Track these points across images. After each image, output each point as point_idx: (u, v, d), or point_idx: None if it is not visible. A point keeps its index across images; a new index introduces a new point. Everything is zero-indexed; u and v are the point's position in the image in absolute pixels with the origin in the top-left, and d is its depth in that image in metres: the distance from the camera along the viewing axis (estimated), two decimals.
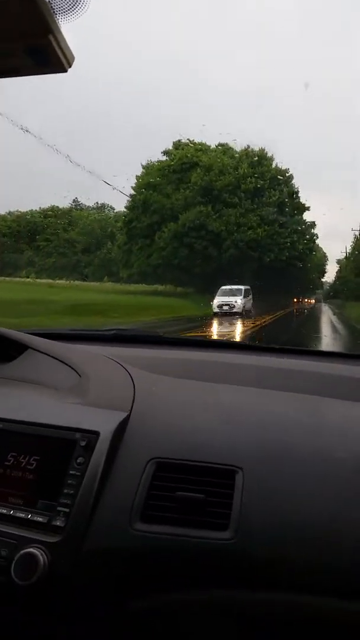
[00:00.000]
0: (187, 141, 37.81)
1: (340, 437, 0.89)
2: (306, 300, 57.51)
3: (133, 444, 0.86)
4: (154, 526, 0.76)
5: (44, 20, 0.56)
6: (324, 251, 64.53)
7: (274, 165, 37.37)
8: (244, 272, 33.95)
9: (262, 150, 37.04)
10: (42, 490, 0.81)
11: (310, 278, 60.13)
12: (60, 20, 0.60)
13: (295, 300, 46.23)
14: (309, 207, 38.50)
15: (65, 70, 0.63)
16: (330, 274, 74.92)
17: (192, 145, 37.72)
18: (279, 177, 37.01)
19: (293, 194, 37.45)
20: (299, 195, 38.02)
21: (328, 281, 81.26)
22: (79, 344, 1.45)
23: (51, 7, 0.58)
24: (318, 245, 59.25)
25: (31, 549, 0.74)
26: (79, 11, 0.61)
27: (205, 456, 0.83)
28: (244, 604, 0.72)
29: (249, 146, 37.22)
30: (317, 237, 40.31)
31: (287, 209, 36.39)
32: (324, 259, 70.32)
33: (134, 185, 37.34)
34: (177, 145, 37.78)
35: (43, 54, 0.60)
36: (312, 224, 39.61)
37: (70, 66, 0.63)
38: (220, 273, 33.41)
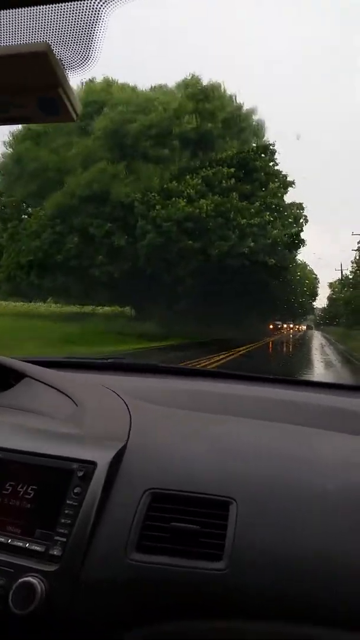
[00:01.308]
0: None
1: (333, 470, 0.90)
2: (293, 326, 43.69)
3: (129, 474, 0.87)
4: (149, 556, 0.77)
5: (55, 75, 0.60)
6: (315, 273, 57.10)
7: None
8: (178, 276, 18.32)
9: (213, 85, 22.27)
10: (39, 519, 0.82)
11: (299, 301, 50.65)
12: (69, 74, 0.64)
13: (271, 326, 30.42)
14: (292, 183, 23.59)
15: (73, 120, 0.67)
16: (319, 301, 63.16)
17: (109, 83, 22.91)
18: (239, 119, 22.14)
19: (265, 148, 22.48)
20: (275, 156, 23.29)
21: (318, 307, 70.17)
22: (76, 372, 1.50)
23: (61, 63, 0.62)
24: (307, 265, 51.13)
25: (29, 578, 0.74)
26: (88, 66, 0.67)
27: (199, 487, 0.84)
28: (238, 634, 0.73)
29: (193, 76, 22.51)
30: (304, 244, 25.47)
31: (254, 173, 21.33)
32: (315, 281, 57.61)
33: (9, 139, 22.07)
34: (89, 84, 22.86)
35: (53, 106, 0.64)
36: (299, 206, 24.52)
37: (77, 116, 0.67)
38: (139, 279, 17.94)
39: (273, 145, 23.11)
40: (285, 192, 22.77)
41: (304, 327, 54.02)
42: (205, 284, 20.86)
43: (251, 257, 20.01)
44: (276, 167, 22.99)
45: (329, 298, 58.99)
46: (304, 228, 23.64)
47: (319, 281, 60.74)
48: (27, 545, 0.79)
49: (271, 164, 22.76)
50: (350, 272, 36.40)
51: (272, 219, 20.71)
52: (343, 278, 37.83)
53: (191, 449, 0.95)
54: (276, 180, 22.12)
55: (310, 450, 0.98)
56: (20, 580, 0.74)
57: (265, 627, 0.72)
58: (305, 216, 23.95)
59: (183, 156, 20.34)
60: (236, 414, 1.15)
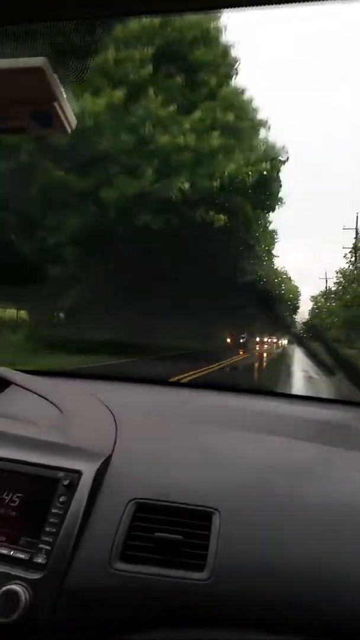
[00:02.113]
0: None
1: (315, 481, 0.92)
2: (270, 341, 36.30)
3: (114, 484, 0.88)
4: (133, 566, 0.78)
5: (50, 89, 0.61)
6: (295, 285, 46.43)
7: None
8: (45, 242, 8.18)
9: None
10: (24, 527, 0.82)
11: (280, 314, 34.81)
12: (65, 88, 0.65)
13: (230, 338, 23.13)
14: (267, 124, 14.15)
15: (67, 133, 0.68)
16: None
17: None
18: None
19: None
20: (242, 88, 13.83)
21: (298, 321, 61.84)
22: (62, 380, 1.50)
23: (57, 77, 0.62)
24: (289, 277, 43.64)
25: (13, 586, 0.75)
26: (83, 79, 0.70)
27: (183, 497, 0.85)
28: None
29: None
30: (281, 204, 15.63)
31: (197, 73, 11.93)
32: (297, 294, 48.43)
33: None
34: None
35: (47, 119, 0.65)
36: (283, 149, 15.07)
37: (72, 129, 0.68)
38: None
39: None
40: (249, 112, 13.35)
41: (285, 342, 45.14)
42: (115, 259, 11.43)
43: (184, 209, 10.58)
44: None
45: (312, 311, 49.75)
46: (280, 170, 13.93)
47: (299, 292, 53.01)
48: (11, 553, 0.80)
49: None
50: (335, 282, 31.92)
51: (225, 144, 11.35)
52: (327, 289, 33.37)
53: (176, 460, 0.97)
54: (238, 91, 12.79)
55: (292, 461, 1.00)
56: (4, 588, 0.75)
57: (248, 636, 0.73)
58: (282, 160, 14.17)
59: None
60: (221, 425, 1.16)
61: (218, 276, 16.25)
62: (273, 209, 15.50)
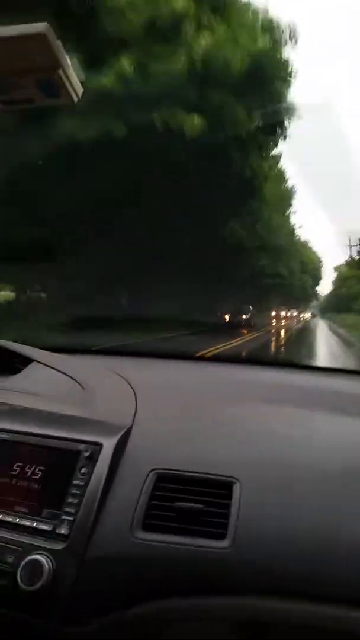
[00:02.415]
0: None
1: (335, 451, 0.92)
2: (286, 314, 31.95)
3: (135, 455, 0.89)
4: (154, 535, 0.79)
5: (54, 57, 0.60)
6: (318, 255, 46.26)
7: None
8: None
9: None
10: (47, 499, 0.84)
11: (300, 284, 36.41)
12: (69, 56, 0.63)
13: (228, 316, 18.72)
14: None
15: (73, 102, 0.67)
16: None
17: None
18: None
19: None
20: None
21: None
22: (83, 356, 1.51)
23: (60, 44, 0.61)
24: (310, 246, 41.25)
25: (37, 556, 0.77)
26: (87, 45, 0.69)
27: (204, 467, 0.86)
28: (241, 610, 0.75)
29: None
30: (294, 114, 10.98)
31: None
32: (318, 264, 49.19)
33: None
34: None
35: (53, 87, 0.64)
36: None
37: (78, 98, 0.67)
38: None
39: None
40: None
41: (308, 316, 41.48)
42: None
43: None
44: None
45: (336, 281, 45.29)
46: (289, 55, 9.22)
47: (322, 263, 48.39)
48: (34, 524, 0.81)
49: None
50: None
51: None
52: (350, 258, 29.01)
53: (196, 431, 0.97)
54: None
55: (312, 432, 1.00)
56: (28, 558, 0.77)
57: (268, 604, 0.74)
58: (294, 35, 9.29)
59: None
60: (241, 398, 1.17)
61: (208, 238, 12.22)
62: (280, 126, 10.63)
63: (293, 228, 28.07)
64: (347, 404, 1.12)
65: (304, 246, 44.95)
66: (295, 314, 32.50)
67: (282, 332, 18.35)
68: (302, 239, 41.66)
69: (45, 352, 1.30)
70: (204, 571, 0.75)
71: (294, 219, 30.38)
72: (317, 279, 50.95)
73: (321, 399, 1.16)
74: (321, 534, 0.76)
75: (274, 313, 26.42)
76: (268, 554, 0.75)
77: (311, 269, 51.14)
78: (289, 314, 31.32)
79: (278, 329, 20.32)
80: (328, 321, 29.23)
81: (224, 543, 0.76)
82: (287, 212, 26.36)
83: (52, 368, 1.21)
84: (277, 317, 26.10)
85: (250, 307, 20.45)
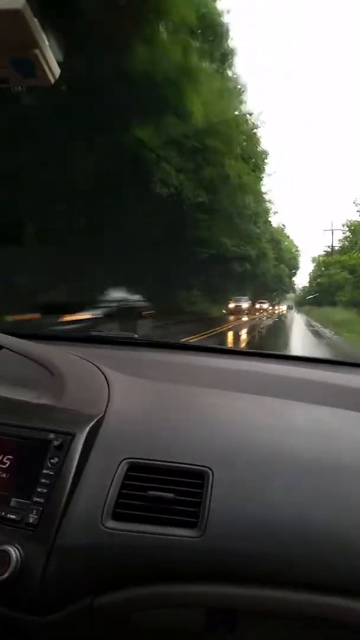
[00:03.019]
0: None
1: (306, 438, 0.93)
2: (262, 307, 29.29)
3: (106, 444, 0.88)
4: (125, 524, 0.78)
5: (31, 35, 0.58)
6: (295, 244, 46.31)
7: None
8: None
9: None
10: (15, 488, 0.83)
11: (275, 272, 35.84)
12: (46, 35, 0.62)
13: (232, 307, 18.90)
14: None
15: (50, 83, 0.66)
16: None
17: None
18: None
19: None
20: None
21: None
22: (53, 343, 1.47)
23: (37, 22, 0.59)
24: (286, 234, 42.12)
25: (5, 546, 0.76)
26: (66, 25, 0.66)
27: (176, 457, 0.86)
28: (213, 597, 0.76)
29: None
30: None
31: None
32: (296, 253, 48.02)
33: None
34: None
35: (29, 67, 0.62)
36: None
37: (55, 79, 0.65)
38: None
39: None
40: None
41: (283, 309, 38.89)
42: None
43: None
44: None
45: (315, 271, 41.68)
46: None
47: (299, 252, 47.15)
48: (2, 514, 0.80)
49: None
50: (342, 238, 28.30)
51: None
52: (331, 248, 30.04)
53: (168, 420, 0.97)
54: None
55: (284, 420, 1.02)
56: None
57: (240, 591, 0.74)
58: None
59: None
60: (214, 387, 1.18)
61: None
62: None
63: (264, 200, 24.14)
64: (324, 394, 1.15)
65: (281, 233, 40.98)
66: (265, 306, 28.37)
67: (244, 332, 14.24)
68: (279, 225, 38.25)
69: (14, 338, 1.24)
70: (174, 559, 0.76)
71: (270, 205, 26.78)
72: (294, 269, 47.14)
73: (298, 388, 1.19)
74: (294, 521, 0.77)
75: (232, 305, 20.93)
76: (240, 542, 0.76)
77: (289, 257, 47.40)
78: (257, 306, 27.14)
79: (238, 326, 16.09)
80: (305, 316, 25.31)
81: (195, 532, 0.77)
82: (260, 176, 22.30)
83: (21, 354, 1.17)
84: (237, 310, 20.68)
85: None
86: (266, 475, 0.83)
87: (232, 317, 19.00)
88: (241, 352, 1.67)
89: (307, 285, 45.07)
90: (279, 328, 17.48)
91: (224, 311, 20.03)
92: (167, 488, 0.81)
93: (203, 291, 19.68)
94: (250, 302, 24.17)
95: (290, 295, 58.37)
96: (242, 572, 0.75)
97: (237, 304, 21.29)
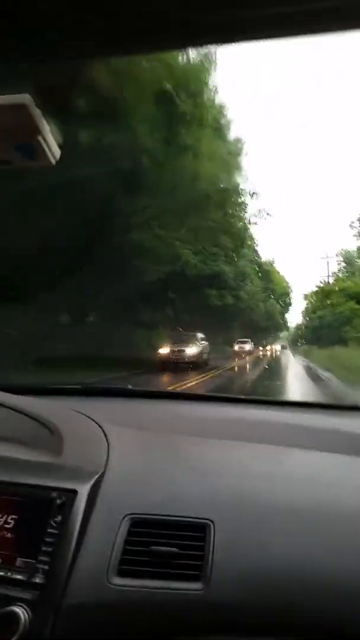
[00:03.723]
0: None
1: (303, 485, 0.95)
2: (244, 348, 23.70)
3: (108, 500, 0.89)
4: (130, 580, 0.79)
5: (34, 124, 0.63)
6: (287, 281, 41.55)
7: None
8: None
9: None
10: (21, 548, 0.83)
11: (265, 309, 32.07)
12: (48, 122, 0.67)
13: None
14: None
15: (52, 164, 0.70)
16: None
17: None
18: None
19: None
20: None
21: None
22: (49, 398, 1.50)
23: (40, 112, 0.64)
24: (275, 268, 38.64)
25: (12, 607, 0.75)
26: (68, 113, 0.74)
27: (177, 510, 0.86)
28: None
29: None
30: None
31: None
32: (287, 289, 42.41)
33: None
34: None
35: (31, 151, 0.67)
36: None
37: (56, 160, 0.70)
38: None
39: None
40: None
41: (277, 348, 34.09)
42: None
43: None
44: None
45: (309, 308, 37.07)
46: None
47: (290, 289, 42.12)
48: (9, 574, 0.80)
49: None
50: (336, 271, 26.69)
51: None
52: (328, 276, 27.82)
53: (169, 473, 0.98)
54: None
55: (284, 468, 1.03)
56: (3, 610, 0.75)
57: None
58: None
59: None
60: (212, 436, 1.18)
61: None
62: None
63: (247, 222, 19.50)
64: (321, 439, 1.15)
65: (271, 267, 36.44)
66: (247, 347, 22.74)
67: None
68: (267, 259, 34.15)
69: (10, 395, 1.26)
70: (179, 613, 0.76)
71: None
72: (286, 305, 42.39)
73: (293, 434, 1.19)
74: (295, 570, 0.78)
75: (236, 347, 19.87)
76: (243, 593, 0.76)
77: (280, 293, 42.69)
78: (236, 348, 21.69)
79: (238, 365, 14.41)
80: (305, 359, 20.03)
81: (198, 585, 0.77)
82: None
83: (19, 412, 1.17)
84: (241, 352, 19.64)
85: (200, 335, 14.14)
86: (266, 525, 0.84)
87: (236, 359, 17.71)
88: (235, 399, 1.61)
89: (303, 322, 40.11)
90: (271, 380, 11.96)
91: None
92: (170, 542, 0.82)
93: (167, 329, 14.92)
94: (251, 344, 22.37)
95: (284, 334, 53.23)
96: (246, 623, 0.76)
97: (241, 346, 20.62)
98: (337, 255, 28.29)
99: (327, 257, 29.95)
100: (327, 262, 28.98)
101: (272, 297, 35.88)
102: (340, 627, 0.74)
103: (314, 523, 0.84)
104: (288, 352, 29.80)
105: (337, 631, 0.74)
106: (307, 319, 31.83)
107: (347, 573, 0.77)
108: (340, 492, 0.93)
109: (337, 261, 28.32)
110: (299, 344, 30.23)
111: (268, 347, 32.24)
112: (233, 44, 0.46)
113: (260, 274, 28.80)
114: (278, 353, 29.75)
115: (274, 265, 36.86)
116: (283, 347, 37.59)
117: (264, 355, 25.22)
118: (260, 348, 27.14)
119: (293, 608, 0.75)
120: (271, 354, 26.74)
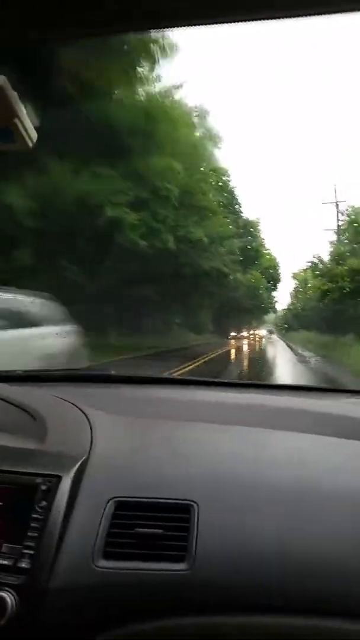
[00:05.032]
0: None
1: (287, 467, 0.96)
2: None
3: (93, 485, 0.89)
4: (115, 562, 0.80)
5: (10, 106, 0.63)
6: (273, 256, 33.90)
7: None
8: None
9: None
10: (6, 534, 0.83)
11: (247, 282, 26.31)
12: (24, 104, 0.66)
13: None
14: None
15: (29, 148, 0.70)
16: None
17: None
18: None
19: None
20: None
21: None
22: (31, 385, 1.50)
23: (16, 94, 0.64)
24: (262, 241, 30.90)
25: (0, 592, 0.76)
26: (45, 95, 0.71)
27: (162, 492, 0.87)
28: (206, 628, 0.77)
29: None
30: None
31: None
32: (276, 268, 34.68)
33: None
34: None
35: (9, 134, 0.67)
36: None
37: (33, 143, 0.70)
38: None
39: None
40: None
41: (262, 333, 30.49)
42: None
43: None
44: None
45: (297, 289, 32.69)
46: None
47: (278, 267, 34.68)
48: None
49: None
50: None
51: None
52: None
53: (152, 456, 1.00)
54: None
55: (264, 449, 1.04)
56: None
57: (231, 620, 0.76)
58: None
59: None
60: (195, 419, 1.18)
61: None
62: None
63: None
64: (305, 421, 1.16)
65: (254, 226, 29.20)
66: (250, 333, 16.77)
67: None
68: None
69: None
70: (165, 594, 0.77)
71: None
72: (274, 280, 35.18)
73: (278, 417, 1.20)
74: (277, 549, 0.79)
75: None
76: (227, 573, 0.78)
77: (267, 266, 35.28)
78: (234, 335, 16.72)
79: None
80: (299, 348, 13.55)
81: (183, 565, 0.78)
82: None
83: (1, 399, 1.17)
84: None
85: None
86: (249, 506, 0.85)
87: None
88: (220, 383, 1.67)
89: (293, 303, 33.07)
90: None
91: None
92: (155, 524, 0.82)
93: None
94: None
95: (270, 316, 45.86)
96: (231, 602, 0.77)
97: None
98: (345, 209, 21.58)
99: (336, 200, 23.09)
100: (337, 205, 22.11)
101: (257, 263, 28.85)
102: (325, 605, 0.75)
103: (298, 503, 0.85)
104: (274, 337, 23.51)
105: (322, 609, 0.75)
106: (302, 301, 25.24)
107: (331, 552, 0.79)
108: (323, 473, 0.95)
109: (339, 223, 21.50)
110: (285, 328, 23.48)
111: (252, 333, 25.74)
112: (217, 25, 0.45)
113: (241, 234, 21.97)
114: (261, 338, 23.73)
115: (258, 227, 29.75)
116: (270, 332, 31.17)
117: (239, 347, 18.72)
118: (234, 335, 21.16)
119: (278, 587, 0.76)
120: (253, 345, 20.06)
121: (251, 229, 28.25)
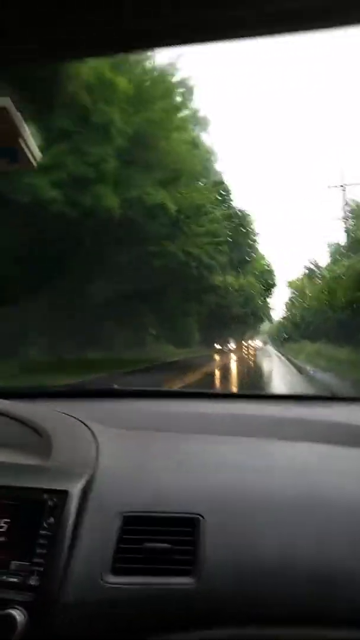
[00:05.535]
0: None
1: (290, 477, 0.96)
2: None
3: (100, 500, 0.89)
4: (123, 577, 0.80)
5: (14, 127, 0.64)
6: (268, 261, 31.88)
7: None
8: None
9: None
10: (14, 551, 0.83)
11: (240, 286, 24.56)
12: (28, 125, 0.67)
13: None
14: None
15: (33, 167, 0.71)
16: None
17: None
18: None
19: None
20: None
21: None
22: (35, 401, 1.48)
23: (20, 115, 0.65)
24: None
25: (9, 610, 0.76)
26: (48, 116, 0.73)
27: (168, 506, 0.88)
28: None
29: None
30: None
31: None
32: (271, 274, 32.70)
33: None
34: None
35: (13, 154, 0.68)
36: None
37: (37, 162, 0.70)
38: None
39: None
40: None
41: (257, 345, 28.58)
42: None
43: None
44: None
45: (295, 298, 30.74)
46: None
47: (274, 273, 33.00)
48: (4, 577, 0.80)
49: None
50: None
51: None
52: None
53: (158, 470, 1.00)
54: None
55: (271, 460, 1.04)
56: (0, 613, 0.76)
57: (239, 632, 0.76)
58: None
59: None
60: (199, 431, 1.19)
61: None
62: None
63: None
64: (305, 430, 1.17)
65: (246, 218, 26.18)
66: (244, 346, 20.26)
67: None
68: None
69: None
70: (173, 608, 0.78)
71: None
72: (269, 286, 31.76)
73: (278, 426, 1.21)
74: (282, 560, 0.79)
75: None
76: (234, 586, 0.78)
77: (261, 270, 31.94)
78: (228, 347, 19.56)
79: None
80: (308, 366, 10.47)
81: (190, 579, 0.78)
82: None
83: (6, 416, 1.18)
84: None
85: None
86: (255, 517, 0.85)
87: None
88: (223, 394, 1.71)
89: (291, 312, 30.06)
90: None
91: None
92: (163, 538, 0.83)
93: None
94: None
95: (265, 326, 42.49)
96: (238, 615, 0.77)
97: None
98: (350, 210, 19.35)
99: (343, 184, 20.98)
100: (344, 190, 20.24)
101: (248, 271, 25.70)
102: (333, 616, 0.76)
103: (303, 514, 0.85)
104: (270, 349, 20.61)
105: (329, 621, 0.76)
106: (300, 308, 22.04)
107: (338, 562, 0.79)
108: (325, 481, 0.95)
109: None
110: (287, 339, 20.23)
111: (246, 345, 22.76)
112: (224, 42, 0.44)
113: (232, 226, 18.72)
114: (257, 349, 20.63)
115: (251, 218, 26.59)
116: (265, 343, 27.87)
117: (226, 364, 15.57)
118: (218, 347, 18.45)
119: (284, 599, 0.77)
120: (246, 359, 16.93)
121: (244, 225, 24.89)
